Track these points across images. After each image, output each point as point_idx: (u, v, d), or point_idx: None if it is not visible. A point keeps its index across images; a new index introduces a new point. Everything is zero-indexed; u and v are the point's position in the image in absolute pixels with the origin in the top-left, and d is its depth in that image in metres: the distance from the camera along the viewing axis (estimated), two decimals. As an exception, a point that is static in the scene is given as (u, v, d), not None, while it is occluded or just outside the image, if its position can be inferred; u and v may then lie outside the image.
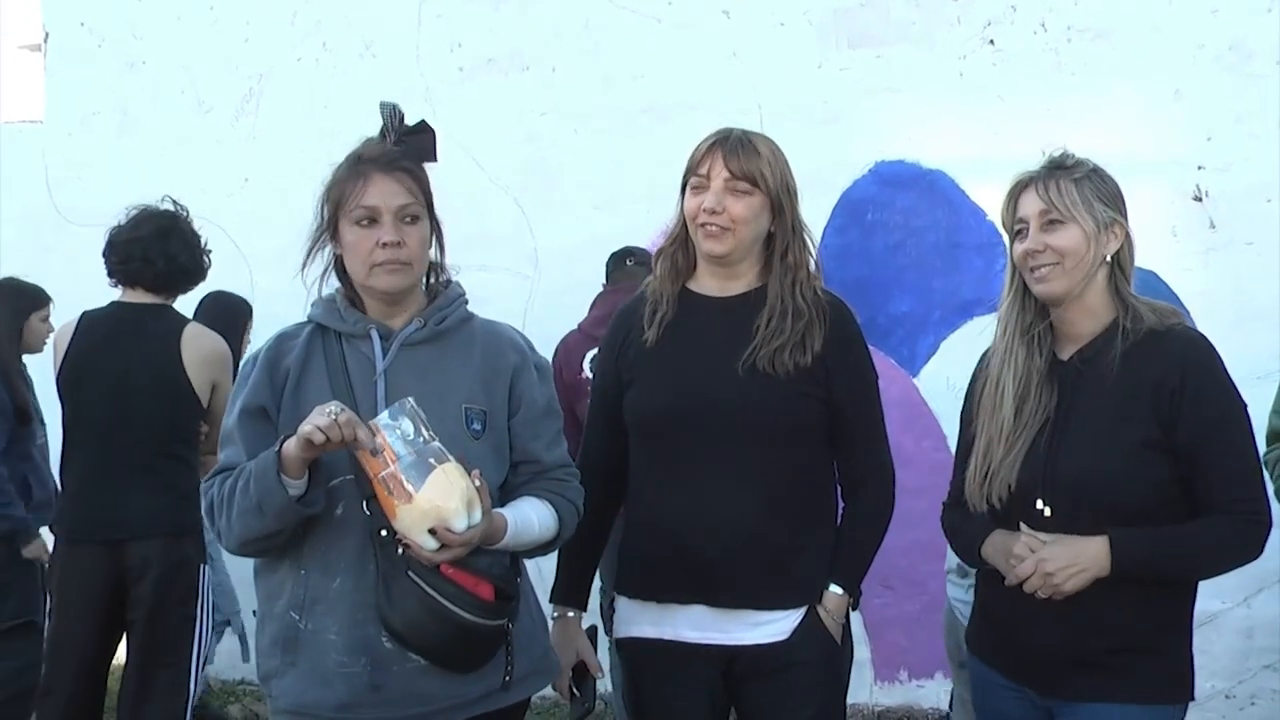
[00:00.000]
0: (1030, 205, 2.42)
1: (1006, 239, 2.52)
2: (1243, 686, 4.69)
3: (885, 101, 5.04)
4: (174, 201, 4.08)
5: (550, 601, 2.73)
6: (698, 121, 2.74)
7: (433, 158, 2.48)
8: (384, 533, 2.25)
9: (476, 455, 2.35)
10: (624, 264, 4.54)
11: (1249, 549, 2.36)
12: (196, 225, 4.11)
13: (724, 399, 2.53)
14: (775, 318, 2.54)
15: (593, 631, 2.75)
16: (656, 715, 2.64)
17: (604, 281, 4.63)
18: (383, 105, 2.47)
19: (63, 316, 4.90)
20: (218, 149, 5.69)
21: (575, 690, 2.69)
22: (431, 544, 2.20)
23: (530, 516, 2.41)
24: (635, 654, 2.66)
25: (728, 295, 2.62)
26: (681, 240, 2.65)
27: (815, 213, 4.80)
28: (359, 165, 2.39)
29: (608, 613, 3.71)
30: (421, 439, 2.19)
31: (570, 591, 2.74)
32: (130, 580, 3.86)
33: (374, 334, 2.41)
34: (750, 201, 2.54)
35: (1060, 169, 2.42)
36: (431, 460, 2.17)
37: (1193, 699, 2.41)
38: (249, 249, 5.48)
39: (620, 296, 3.51)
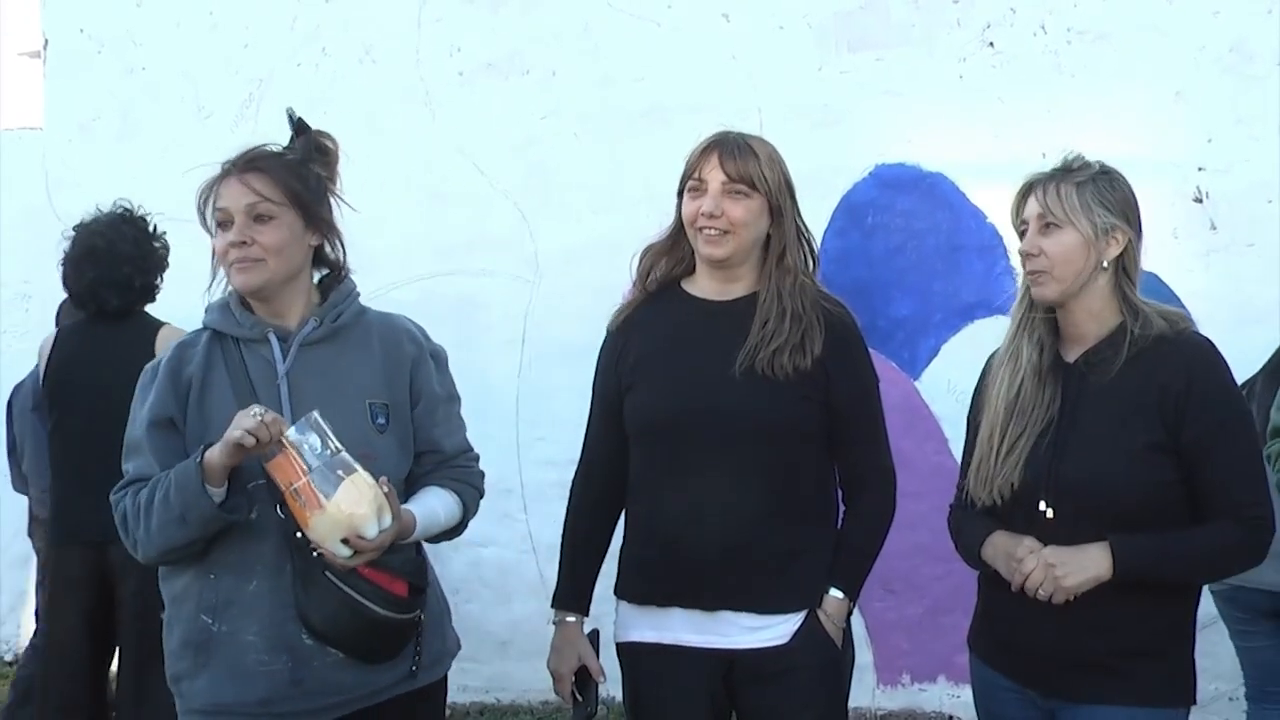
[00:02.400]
0: (1031, 208, 2.44)
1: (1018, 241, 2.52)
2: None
3: (885, 104, 5.04)
4: (127, 208, 4.05)
5: (552, 606, 2.73)
6: (698, 124, 2.74)
7: (312, 156, 2.52)
8: (300, 534, 2.29)
9: (382, 449, 2.43)
10: None
11: (1252, 554, 2.36)
12: (194, 229, 4.02)
13: (723, 402, 2.52)
14: (772, 320, 2.54)
15: (594, 635, 2.74)
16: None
17: None
18: (288, 114, 2.57)
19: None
20: (218, 154, 5.62)
21: (578, 695, 2.69)
22: (345, 552, 2.25)
23: (435, 508, 2.50)
24: (635, 658, 2.65)
25: (727, 299, 2.62)
26: (673, 242, 2.66)
27: (815, 216, 4.79)
28: (221, 171, 2.46)
29: None
30: (329, 451, 2.23)
31: (571, 596, 2.74)
32: (115, 581, 3.89)
33: (272, 337, 2.45)
34: (748, 204, 2.54)
35: (1066, 172, 2.43)
36: (340, 471, 2.23)
37: (1195, 702, 2.40)
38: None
39: None
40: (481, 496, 2.67)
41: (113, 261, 3.92)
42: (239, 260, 2.40)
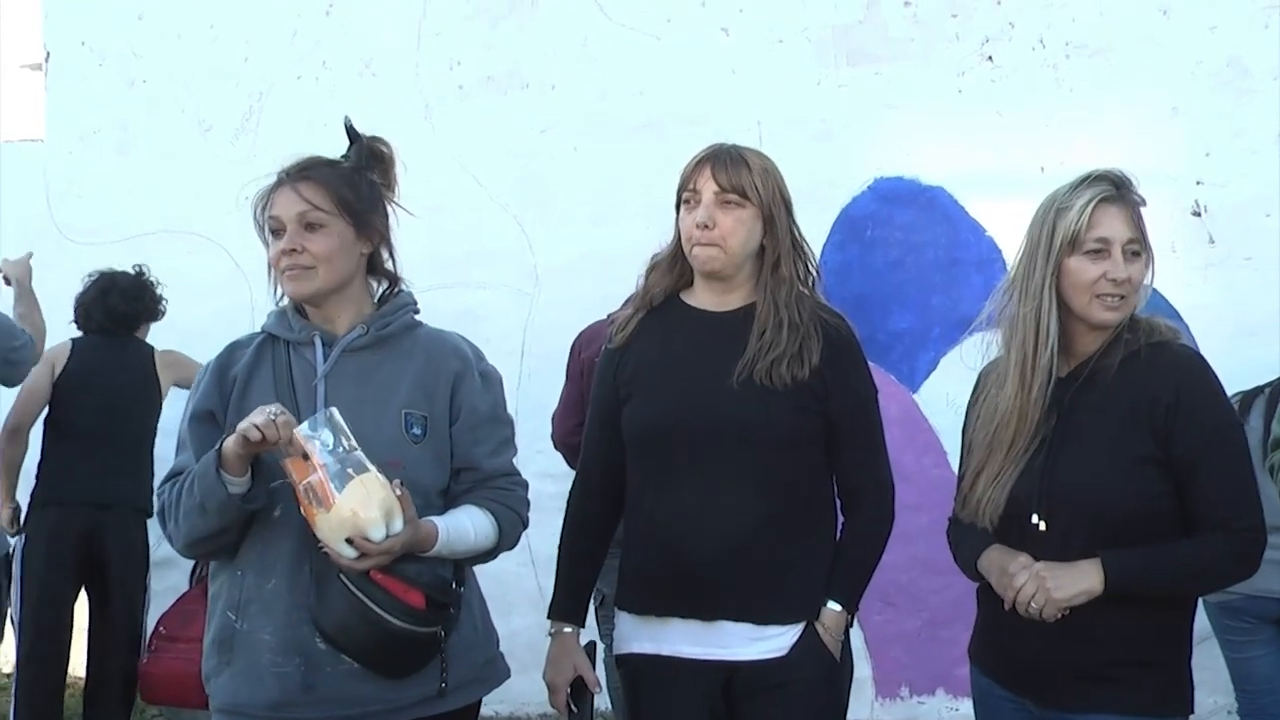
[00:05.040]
0: (1120, 229, 2.36)
1: (1055, 242, 2.35)
2: (1245, 702, 4.67)
3: (884, 118, 5.05)
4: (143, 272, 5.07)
5: (548, 617, 2.73)
6: (696, 138, 2.74)
7: (367, 163, 2.55)
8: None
9: (416, 460, 2.40)
10: None
11: (1243, 566, 2.35)
12: (194, 241, 4.29)
13: (722, 413, 2.52)
14: (769, 330, 2.54)
15: (591, 647, 2.74)
16: (656, 732, 2.63)
17: None
18: (345, 123, 2.58)
19: (63, 332, 4.92)
20: (217, 167, 5.70)
21: (573, 706, 2.68)
22: (350, 553, 2.22)
23: (465, 525, 2.43)
24: (634, 670, 2.65)
25: (724, 310, 2.62)
26: (674, 256, 2.67)
27: (814, 229, 4.79)
28: (276, 180, 2.48)
29: (599, 615, 3.71)
30: (342, 449, 2.21)
31: (567, 607, 2.73)
32: (105, 547, 4.77)
33: (317, 340, 2.47)
34: (740, 214, 2.54)
35: (1129, 189, 2.38)
36: (350, 470, 2.19)
37: (1192, 712, 2.40)
38: (248, 267, 5.47)
39: None
40: (524, 525, 2.57)
41: (112, 289, 4.95)
42: (290, 268, 2.43)
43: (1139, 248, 2.37)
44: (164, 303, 5.08)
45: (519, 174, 5.43)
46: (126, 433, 4.84)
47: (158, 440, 4.92)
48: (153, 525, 4.74)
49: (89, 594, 4.88)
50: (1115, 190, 2.38)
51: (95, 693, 4.87)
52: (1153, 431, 2.30)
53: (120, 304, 4.93)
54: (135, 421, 4.88)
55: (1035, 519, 2.37)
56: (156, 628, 5.06)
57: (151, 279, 5.06)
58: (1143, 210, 2.41)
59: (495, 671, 2.59)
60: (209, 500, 2.28)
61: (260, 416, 2.21)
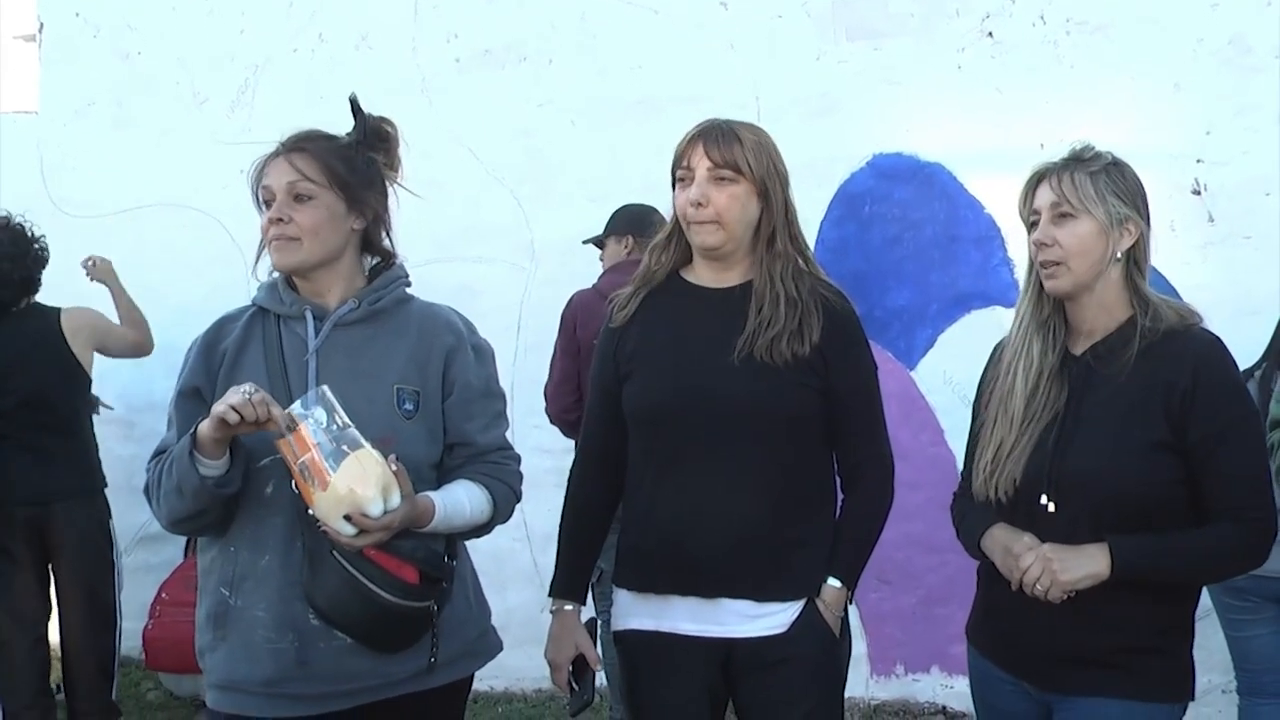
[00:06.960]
0: (1043, 197, 2.40)
1: (1026, 232, 2.49)
2: (1239, 681, 4.68)
3: (883, 94, 5.03)
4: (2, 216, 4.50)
5: (549, 595, 2.73)
6: (695, 114, 2.73)
7: (370, 142, 2.54)
8: (311, 512, 2.27)
9: (408, 435, 2.40)
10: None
11: (1251, 556, 2.34)
12: (189, 216, 4.17)
13: (722, 391, 2.52)
14: (766, 306, 2.53)
15: (592, 624, 2.74)
16: (653, 708, 2.63)
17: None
18: (350, 99, 2.56)
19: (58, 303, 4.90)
20: (213, 141, 5.68)
21: (574, 684, 2.69)
22: (349, 530, 2.22)
23: (461, 500, 2.44)
24: (632, 646, 2.65)
25: (723, 287, 2.61)
26: (672, 234, 2.65)
27: (812, 205, 4.80)
28: (273, 150, 2.48)
29: (596, 592, 3.72)
30: (336, 426, 2.20)
31: (568, 585, 2.73)
32: (56, 540, 4.44)
33: (308, 314, 2.46)
34: (734, 190, 2.53)
35: (1078, 161, 2.40)
36: (345, 447, 2.19)
37: (1193, 698, 2.39)
38: (245, 241, 5.43)
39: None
40: (517, 498, 2.59)
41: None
42: (276, 238, 2.42)
43: (1068, 209, 2.36)
44: (41, 243, 4.52)
45: (516, 149, 5.41)
46: (51, 423, 4.45)
47: (149, 415, 4.82)
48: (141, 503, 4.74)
49: (54, 579, 4.63)
50: (1056, 163, 2.41)
51: (70, 678, 4.66)
52: (1167, 417, 2.29)
53: (15, 271, 4.43)
54: (59, 409, 4.49)
55: (1044, 500, 2.36)
56: (159, 594, 5.04)
57: (19, 229, 4.48)
58: (1136, 184, 2.41)
59: (487, 645, 2.61)
60: (184, 484, 2.28)
61: (236, 396, 2.19)
